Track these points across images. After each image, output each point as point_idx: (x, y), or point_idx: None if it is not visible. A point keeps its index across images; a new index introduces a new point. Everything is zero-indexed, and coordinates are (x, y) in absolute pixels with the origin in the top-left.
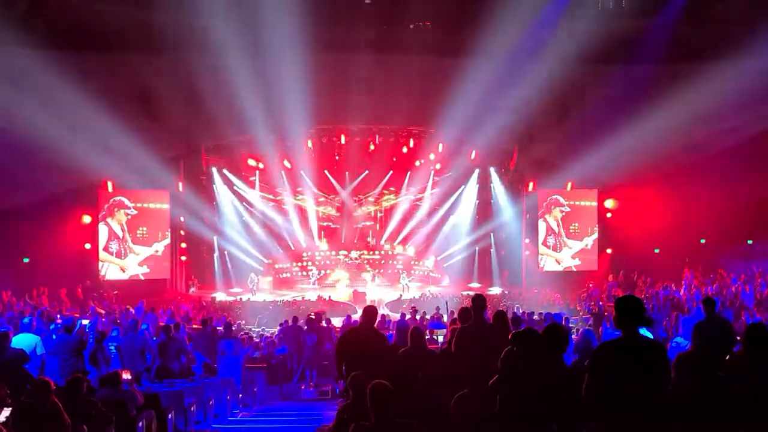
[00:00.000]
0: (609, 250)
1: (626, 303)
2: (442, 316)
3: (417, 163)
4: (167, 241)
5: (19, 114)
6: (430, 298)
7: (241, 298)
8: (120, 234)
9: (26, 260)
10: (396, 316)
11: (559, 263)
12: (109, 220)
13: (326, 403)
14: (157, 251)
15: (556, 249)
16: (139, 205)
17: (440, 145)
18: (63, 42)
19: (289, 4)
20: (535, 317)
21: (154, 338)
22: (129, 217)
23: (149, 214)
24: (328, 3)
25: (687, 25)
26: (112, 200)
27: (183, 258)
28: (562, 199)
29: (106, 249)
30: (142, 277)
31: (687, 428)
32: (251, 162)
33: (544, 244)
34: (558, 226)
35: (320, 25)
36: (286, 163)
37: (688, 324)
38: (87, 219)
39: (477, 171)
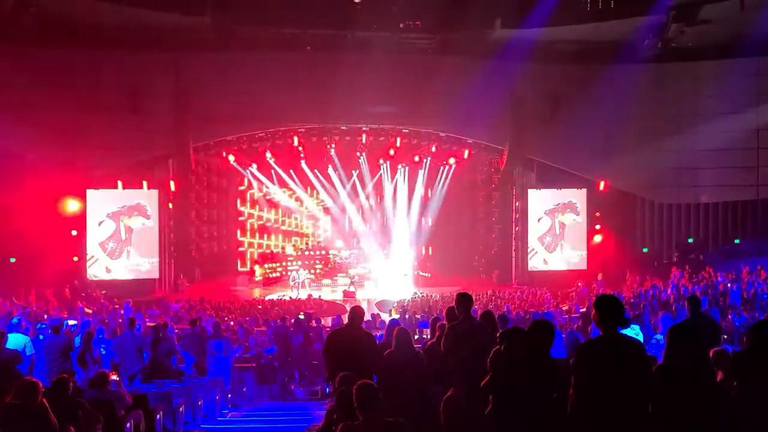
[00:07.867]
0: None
1: (606, 302)
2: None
3: (401, 165)
4: (156, 259)
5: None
6: (420, 298)
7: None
8: (123, 237)
9: (13, 260)
10: (386, 316)
11: (546, 263)
12: (123, 219)
13: (316, 403)
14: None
15: (549, 249)
16: (132, 209)
17: (432, 145)
18: (51, 38)
19: (279, 2)
20: (524, 316)
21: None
22: (143, 226)
23: (139, 213)
24: (317, 3)
25: (676, 25)
26: (124, 204)
27: (171, 259)
28: (575, 204)
29: (102, 245)
30: (131, 275)
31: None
32: (235, 160)
33: (540, 240)
34: (561, 228)
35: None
36: (275, 164)
37: (666, 322)
38: (74, 205)
39: (468, 169)
